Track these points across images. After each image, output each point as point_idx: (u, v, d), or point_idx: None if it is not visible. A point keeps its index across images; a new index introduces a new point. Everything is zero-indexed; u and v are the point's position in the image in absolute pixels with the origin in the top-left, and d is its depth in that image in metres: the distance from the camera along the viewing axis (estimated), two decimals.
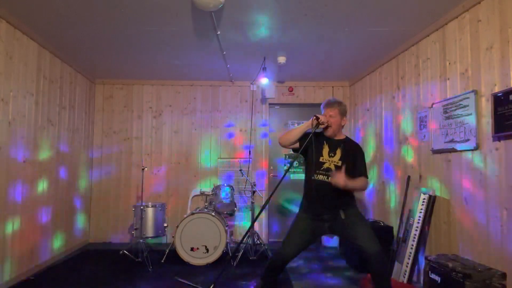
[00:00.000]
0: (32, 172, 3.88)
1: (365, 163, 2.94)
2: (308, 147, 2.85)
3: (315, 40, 4.03)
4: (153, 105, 5.78)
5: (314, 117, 2.81)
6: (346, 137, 3.03)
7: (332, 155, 2.87)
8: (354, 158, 2.89)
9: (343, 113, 2.95)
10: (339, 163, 2.83)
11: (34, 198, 3.94)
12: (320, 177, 2.82)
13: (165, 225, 4.72)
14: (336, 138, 2.95)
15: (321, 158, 2.87)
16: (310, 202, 2.87)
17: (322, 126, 2.86)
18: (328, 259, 4.68)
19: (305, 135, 2.86)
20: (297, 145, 2.89)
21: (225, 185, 4.87)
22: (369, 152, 5.02)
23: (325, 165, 2.84)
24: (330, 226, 2.81)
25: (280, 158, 5.94)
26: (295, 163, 5.89)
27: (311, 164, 2.88)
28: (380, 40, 3.98)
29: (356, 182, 2.75)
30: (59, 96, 4.50)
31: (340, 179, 2.63)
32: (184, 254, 4.23)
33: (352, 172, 2.83)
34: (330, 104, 2.94)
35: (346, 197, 2.81)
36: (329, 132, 2.91)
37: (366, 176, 2.88)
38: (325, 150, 2.89)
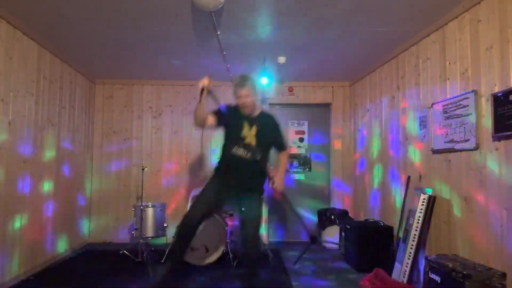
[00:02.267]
0: (32, 172, 3.88)
1: (282, 134, 3.08)
2: (229, 121, 2.95)
3: (315, 40, 4.03)
4: (153, 105, 5.78)
5: (205, 91, 2.82)
6: (261, 111, 3.08)
7: (250, 131, 2.92)
8: (270, 132, 3.00)
9: (255, 89, 2.97)
10: (255, 140, 2.90)
11: (34, 198, 3.94)
12: (241, 151, 2.90)
13: (165, 225, 4.71)
14: (253, 114, 3.00)
15: (242, 132, 2.91)
16: (225, 172, 2.95)
17: (205, 89, 2.82)
18: (328, 259, 4.68)
19: (222, 111, 2.95)
20: (212, 122, 2.96)
21: None
22: (369, 152, 5.03)
23: (246, 140, 2.90)
24: (234, 195, 2.93)
25: None
26: (295, 163, 5.89)
27: (232, 136, 2.96)
28: (380, 40, 3.98)
29: (283, 168, 3.08)
30: (59, 96, 4.50)
31: (279, 187, 2.96)
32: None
33: (268, 145, 3.00)
34: (240, 84, 2.92)
35: (257, 176, 2.94)
36: (246, 111, 2.95)
37: (286, 147, 3.10)
38: (245, 125, 2.93)
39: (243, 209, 2.93)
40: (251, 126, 2.93)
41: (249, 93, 2.90)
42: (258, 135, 2.91)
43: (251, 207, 2.92)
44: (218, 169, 3.05)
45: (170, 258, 3.02)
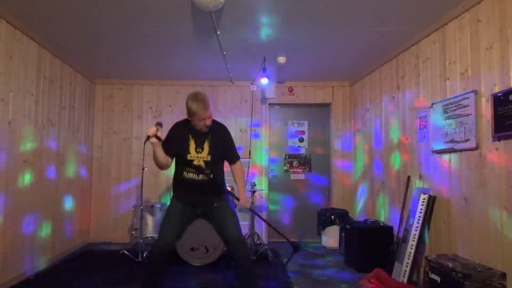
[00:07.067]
0: (32, 172, 3.88)
1: (233, 143, 2.97)
2: (175, 146, 2.78)
3: (315, 40, 4.03)
4: (153, 105, 5.78)
5: (154, 138, 2.65)
6: (212, 122, 2.88)
7: (200, 150, 2.78)
8: (223, 145, 2.87)
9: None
10: (208, 158, 2.78)
11: (33, 197, 3.93)
12: (191, 175, 2.77)
13: (160, 224, 4.71)
14: (205, 131, 2.82)
15: (188, 155, 2.76)
16: (183, 193, 2.85)
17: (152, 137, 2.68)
18: (328, 259, 4.68)
19: (168, 141, 2.77)
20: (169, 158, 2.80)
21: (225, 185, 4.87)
22: (369, 152, 5.02)
23: (194, 163, 2.76)
24: (202, 212, 2.85)
25: (280, 158, 5.94)
26: (295, 163, 5.89)
27: (180, 160, 2.81)
28: (380, 40, 3.98)
29: (243, 181, 2.96)
30: (59, 96, 4.50)
31: (245, 203, 2.93)
32: (184, 254, 4.23)
33: (224, 158, 2.92)
34: (208, 106, 2.72)
35: (216, 192, 2.86)
36: (205, 130, 2.78)
37: (239, 157, 2.99)
38: (192, 146, 2.78)
39: (214, 217, 2.86)
40: (200, 144, 2.78)
41: (211, 114, 2.77)
42: (211, 150, 2.78)
43: (221, 211, 2.84)
44: (176, 191, 2.91)
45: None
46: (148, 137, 2.66)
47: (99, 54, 4.54)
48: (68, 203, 4.80)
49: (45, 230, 4.19)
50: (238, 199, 2.94)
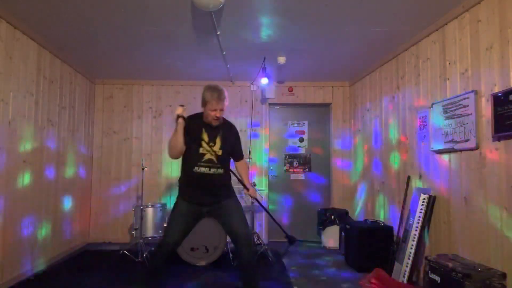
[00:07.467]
0: (32, 172, 3.88)
1: (240, 142, 3.09)
2: (189, 139, 2.79)
3: (315, 40, 4.03)
4: (153, 105, 5.78)
5: (181, 118, 2.71)
6: (223, 119, 2.91)
7: (212, 144, 2.81)
8: (233, 142, 2.97)
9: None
10: (220, 152, 2.82)
11: (33, 197, 3.93)
12: (202, 169, 2.78)
13: (165, 225, 4.70)
14: (215, 124, 2.85)
15: (201, 149, 2.78)
16: (191, 191, 2.86)
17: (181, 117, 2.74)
18: (328, 259, 4.68)
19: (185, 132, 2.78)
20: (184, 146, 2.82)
21: None
22: (369, 152, 5.02)
23: (206, 156, 2.79)
24: (208, 210, 2.87)
25: (280, 158, 5.94)
26: (295, 163, 5.89)
27: (191, 154, 2.81)
28: (380, 40, 3.98)
29: (248, 176, 3.13)
30: (59, 96, 4.50)
31: (254, 194, 3.05)
32: (184, 254, 4.23)
33: (231, 154, 2.99)
34: (223, 98, 2.76)
35: (226, 187, 2.92)
36: (214, 123, 2.81)
37: (243, 156, 3.12)
38: (205, 140, 2.80)
39: (221, 215, 2.87)
40: (213, 138, 2.82)
41: (225, 107, 2.79)
42: (223, 145, 2.83)
43: (229, 208, 2.86)
44: (182, 190, 2.92)
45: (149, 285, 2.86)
46: (178, 116, 2.71)
47: (99, 54, 4.54)
48: (68, 203, 4.80)
49: (45, 230, 4.19)
50: (247, 189, 3.02)
